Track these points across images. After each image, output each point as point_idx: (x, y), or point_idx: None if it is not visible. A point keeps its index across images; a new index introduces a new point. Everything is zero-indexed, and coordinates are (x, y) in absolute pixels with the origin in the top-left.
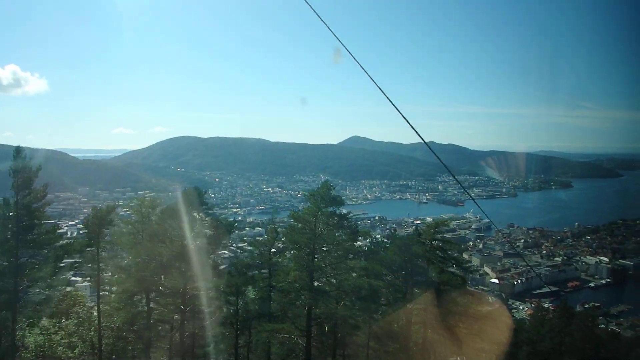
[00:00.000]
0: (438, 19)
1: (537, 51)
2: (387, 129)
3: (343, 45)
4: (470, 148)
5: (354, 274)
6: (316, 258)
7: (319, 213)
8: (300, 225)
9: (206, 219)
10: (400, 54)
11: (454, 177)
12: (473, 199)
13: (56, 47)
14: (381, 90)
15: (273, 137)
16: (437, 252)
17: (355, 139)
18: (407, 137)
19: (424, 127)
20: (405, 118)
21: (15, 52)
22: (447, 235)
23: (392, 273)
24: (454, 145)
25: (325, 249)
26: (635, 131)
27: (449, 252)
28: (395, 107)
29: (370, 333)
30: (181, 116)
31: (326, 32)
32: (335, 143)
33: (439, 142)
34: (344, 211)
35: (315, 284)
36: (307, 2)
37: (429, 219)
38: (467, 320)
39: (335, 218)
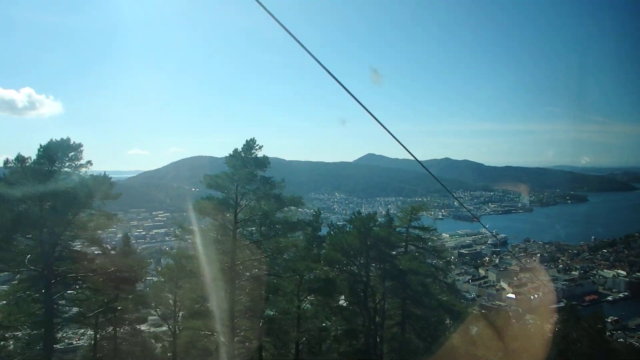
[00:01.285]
0: (456, 37)
1: (551, 69)
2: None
3: (326, 69)
4: (486, 164)
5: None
6: (237, 233)
7: (238, 177)
8: (215, 194)
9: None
10: (418, 71)
11: (451, 193)
12: (476, 217)
13: (71, 71)
14: (365, 108)
15: (288, 155)
16: (415, 242)
17: (370, 157)
18: (422, 154)
19: (440, 144)
20: (393, 135)
21: (30, 75)
22: (463, 250)
23: (350, 260)
24: (469, 161)
25: (247, 221)
26: None
27: (429, 243)
28: (382, 125)
29: (338, 334)
30: (196, 136)
31: (346, 53)
32: (350, 161)
33: (454, 159)
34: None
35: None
36: (301, 43)
37: (444, 235)
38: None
39: (258, 182)
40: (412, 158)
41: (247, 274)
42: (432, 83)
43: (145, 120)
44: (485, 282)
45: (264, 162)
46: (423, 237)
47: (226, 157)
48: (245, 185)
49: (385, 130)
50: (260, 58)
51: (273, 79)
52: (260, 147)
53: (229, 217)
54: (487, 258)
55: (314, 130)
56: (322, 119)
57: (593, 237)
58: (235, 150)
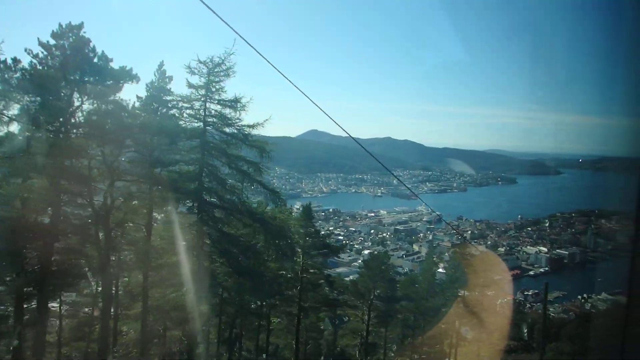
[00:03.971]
0: (400, 16)
1: (489, 56)
2: (346, 123)
3: (243, 38)
4: (426, 144)
5: None
6: None
7: None
8: None
9: None
10: (363, 49)
11: (390, 171)
12: (415, 194)
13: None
14: (294, 85)
15: None
16: (216, 122)
17: (314, 133)
18: (366, 132)
19: (384, 123)
20: (327, 114)
21: None
22: (399, 227)
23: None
24: (410, 141)
25: None
26: (576, 133)
27: (244, 130)
28: (314, 103)
29: None
30: None
31: (290, 27)
32: (293, 136)
33: (396, 138)
34: None
35: None
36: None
37: (382, 212)
38: None
39: None
40: (355, 136)
41: None
42: (376, 61)
43: None
44: (418, 257)
45: None
46: (228, 116)
47: None
48: None
49: (327, 108)
50: (212, 25)
51: (224, 46)
52: None
53: None
54: (421, 234)
55: (255, 102)
56: (264, 90)
57: (519, 216)
58: None
